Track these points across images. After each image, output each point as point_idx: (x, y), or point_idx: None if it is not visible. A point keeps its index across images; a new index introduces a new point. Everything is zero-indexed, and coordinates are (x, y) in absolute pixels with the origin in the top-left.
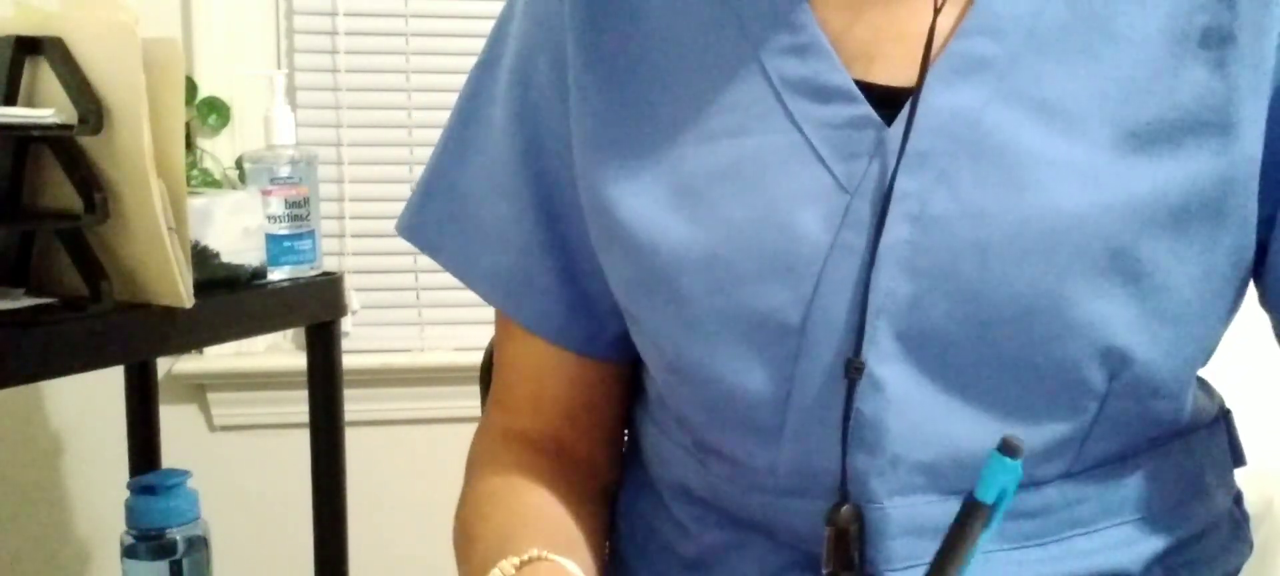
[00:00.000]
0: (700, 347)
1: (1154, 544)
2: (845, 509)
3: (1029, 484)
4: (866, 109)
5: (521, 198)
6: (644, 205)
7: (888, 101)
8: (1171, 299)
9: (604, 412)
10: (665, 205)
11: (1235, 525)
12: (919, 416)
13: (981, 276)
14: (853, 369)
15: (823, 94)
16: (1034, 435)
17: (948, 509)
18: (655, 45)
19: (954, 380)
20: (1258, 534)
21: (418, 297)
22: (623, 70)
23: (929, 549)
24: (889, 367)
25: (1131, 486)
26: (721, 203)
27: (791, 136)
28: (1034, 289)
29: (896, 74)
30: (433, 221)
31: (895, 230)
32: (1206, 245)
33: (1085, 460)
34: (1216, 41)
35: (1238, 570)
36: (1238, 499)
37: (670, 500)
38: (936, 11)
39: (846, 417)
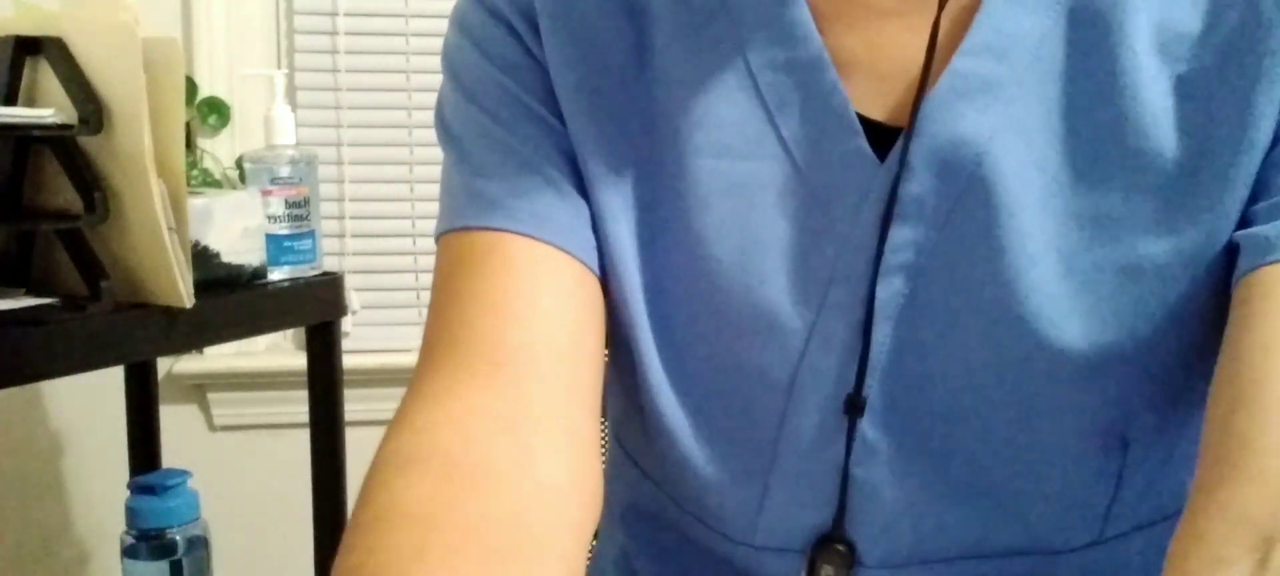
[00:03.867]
0: (683, 393)
1: None
2: (834, 547)
3: (1049, 551)
4: (863, 143)
5: (534, 142)
6: (621, 228)
7: (887, 134)
8: (1183, 354)
9: (596, 386)
10: (639, 232)
11: None
12: (910, 482)
13: (985, 338)
14: (850, 426)
15: (820, 121)
16: (1046, 499)
17: (942, 573)
18: (646, 44)
19: (948, 449)
20: None
21: (418, 298)
22: (602, 59)
23: None
24: (879, 430)
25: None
26: (706, 237)
27: (783, 165)
28: (1042, 353)
29: (896, 102)
30: (458, 210)
31: (889, 282)
32: (1211, 277)
33: (1118, 525)
34: (1226, 62)
35: None
36: None
37: (626, 526)
38: (932, 43)
39: (844, 481)
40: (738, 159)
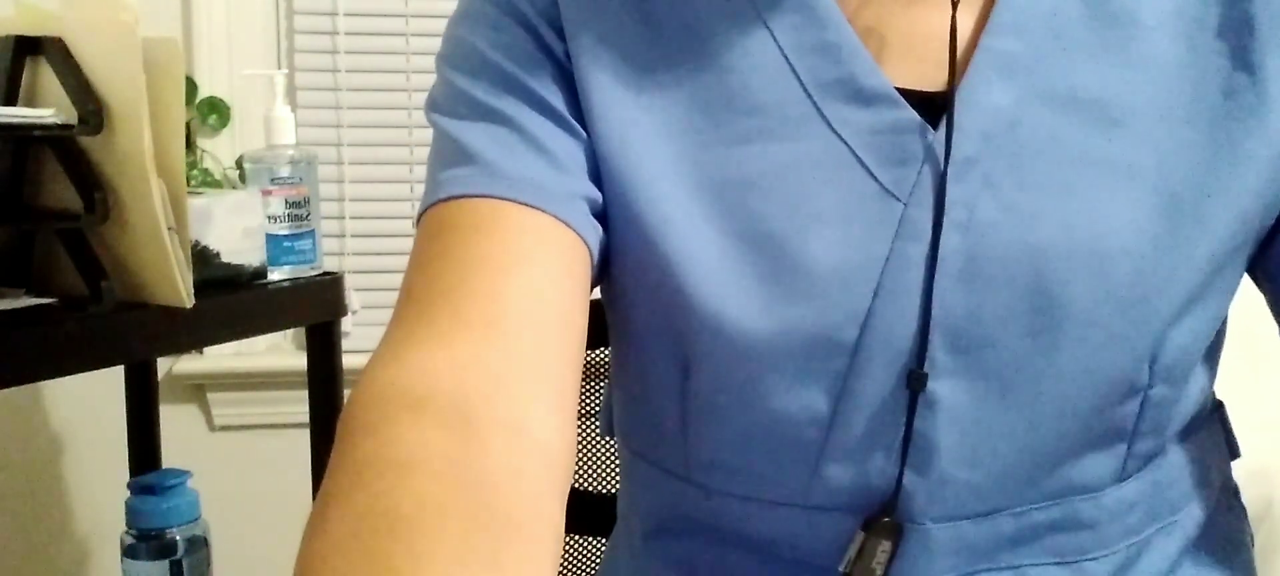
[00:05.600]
0: (740, 368)
1: (1177, 543)
2: (886, 520)
3: (1083, 491)
4: (911, 113)
5: (531, 116)
6: (671, 210)
7: (918, 105)
8: (1206, 278)
9: (575, 364)
10: (693, 215)
11: (1234, 515)
12: (970, 434)
13: (1035, 283)
14: (915, 382)
15: (861, 97)
16: (1083, 437)
17: (991, 526)
18: (668, 36)
19: (1005, 392)
20: (1258, 534)
21: None
22: (634, 57)
23: (965, 567)
24: (942, 382)
25: (1166, 487)
26: (759, 215)
27: (830, 143)
28: (1088, 292)
29: (923, 76)
30: (441, 189)
31: (948, 238)
32: (1239, 221)
33: (1136, 461)
34: (1234, 30)
35: (1245, 560)
36: (1235, 492)
37: (648, 537)
38: (955, 8)
39: (907, 437)
40: (784, 142)
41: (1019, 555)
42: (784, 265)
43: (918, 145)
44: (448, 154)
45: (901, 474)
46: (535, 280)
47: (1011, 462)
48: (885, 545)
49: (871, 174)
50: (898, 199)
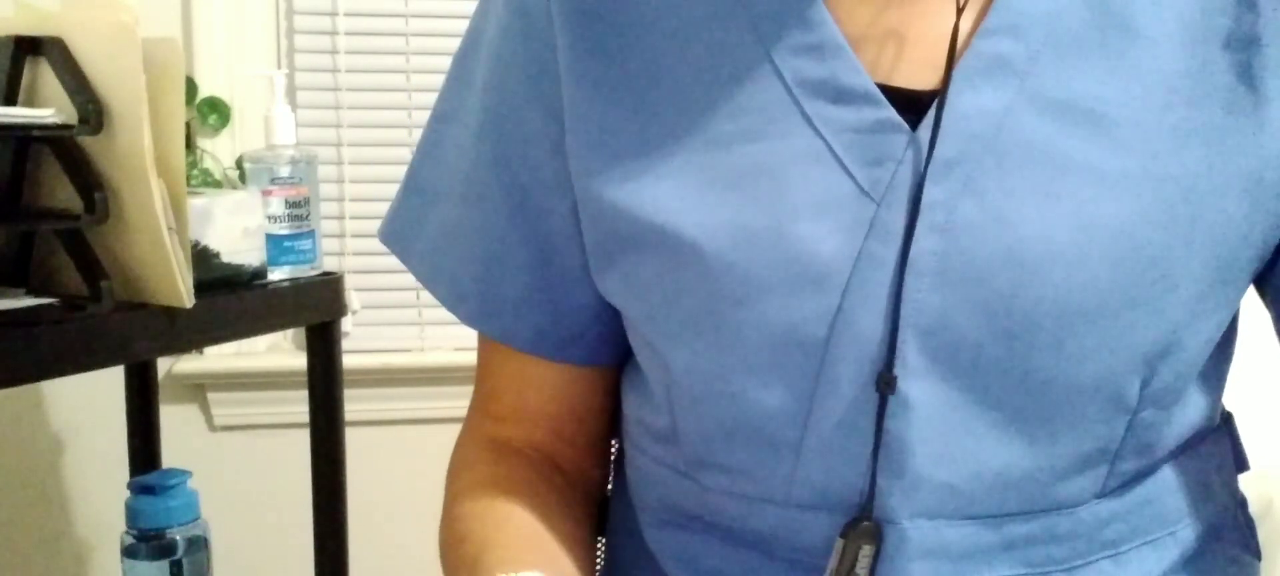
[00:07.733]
0: (716, 359)
1: (1171, 558)
2: (864, 525)
3: (1062, 506)
4: (891, 112)
5: (493, 204)
6: (655, 208)
7: (907, 105)
8: (1197, 300)
9: (589, 421)
10: (675, 211)
11: (1240, 531)
12: (945, 435)
13: (1014, 288)
14: (883, 383)
15: (843, 96)
16: (1064, 453)
17: (967, 533)
18: (655, 42)
19: (982, 397)
20: (1259, 534)
21: (418, 297)
22: (620, 69)
23: (946, 572)
24: (915, 383)
25: (1155, 502)
26: (737, 210)
27: (810, 141)
28: (1068, 299)
29: (915, 76)
30: (405, 224)
31: (923, 240)
32: (1233, 242)
33: (1116, 478)
34: (1240, 44)
35: None
36: (1243, 504)
37: (651, 528)
38: (959, 11)
39: (878, 436)
40: (767, 140)
41: (994, 566)
42: (757, 260)
43: (896, 145)
44: (442, 226)
45: (875, 473)
46: (550, 398)
47: (988, 467)
48: (867, 550)
49: (849, 173)
50: (872, 199)
